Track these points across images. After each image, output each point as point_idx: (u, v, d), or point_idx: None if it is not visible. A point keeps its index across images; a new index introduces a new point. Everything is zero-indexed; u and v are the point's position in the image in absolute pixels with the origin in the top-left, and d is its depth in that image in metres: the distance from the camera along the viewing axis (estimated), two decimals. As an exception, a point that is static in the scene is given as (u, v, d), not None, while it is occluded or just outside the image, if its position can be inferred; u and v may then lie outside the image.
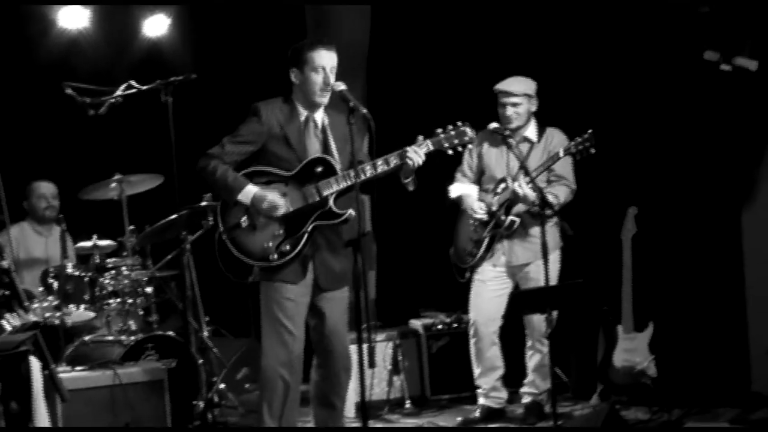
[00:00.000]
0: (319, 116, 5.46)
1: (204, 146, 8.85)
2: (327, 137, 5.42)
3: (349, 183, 5.23)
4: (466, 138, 5.35)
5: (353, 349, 6.25)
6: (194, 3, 8.88)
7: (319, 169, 5.31)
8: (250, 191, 5.25)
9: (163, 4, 8.73)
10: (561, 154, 6.32)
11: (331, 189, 5.27)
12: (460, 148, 5.42)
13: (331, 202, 5.28)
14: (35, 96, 8.48)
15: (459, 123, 5.36)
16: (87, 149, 8.74)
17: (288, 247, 5.26)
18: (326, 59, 5.33)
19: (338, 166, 5.32)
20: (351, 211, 5.23)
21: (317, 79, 5.32)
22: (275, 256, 5.26)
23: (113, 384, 5.88)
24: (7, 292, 3.30)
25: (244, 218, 5.30)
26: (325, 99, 5.38)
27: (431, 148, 5.31)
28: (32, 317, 4.90)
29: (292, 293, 5.34)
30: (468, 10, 8.11)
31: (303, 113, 5.43)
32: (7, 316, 4.46)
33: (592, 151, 6.21)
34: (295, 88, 5.46)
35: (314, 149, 5.40)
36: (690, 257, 7.07)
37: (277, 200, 5.23)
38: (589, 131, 6.20)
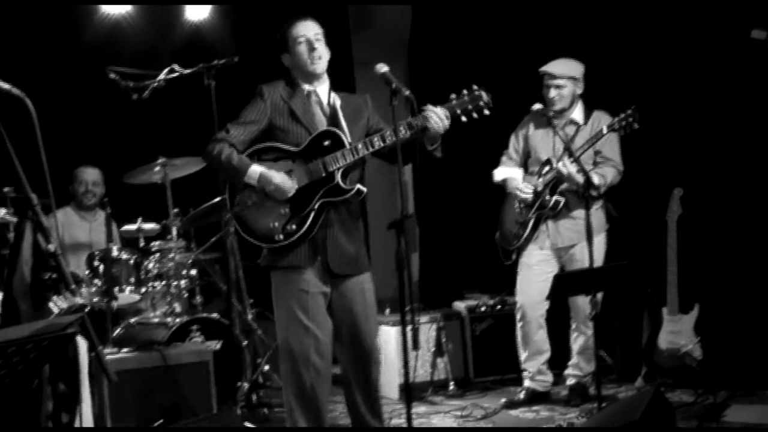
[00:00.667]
0: (323, 91, 5.30)
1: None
2: (336, 113, 5.22)
3: (358, 156, 5.05)
4: (482, 103, 5.08)
5: (394, 332, 6.29)
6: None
7: (327, 142, 5.10)
8: (255, 171, 5.05)
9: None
10: (605, 130, 6.30)
11: (338, 163, 5.05)
12: (475, 115, 5.12)
13: (338, 177, 5.06)
14: (79, 80, 8.54)
15: (474, 86, 5.15)
16: (131, 133, 8.79)
17: (294, 227, 5.03)
18: (304, 29, 5.22)
19: (347, 139, 5.11)
20: (359, 187, 5.08)
21: (303, 48, 5.20)
22: (281, 236, 5.04)
23: (159, 365, 5.92)
24: (54, 276, 3.32)
25: (253, 197, 5.11)
26: (319, 67, 5.22)
27: (446, 113, 5.04)
28: (79, 300, 4.97)
29: (305, 284, 5.07)
30: (509, 6, 8.06)
31: (305, 89, 5.27)
32: (55, 298, 4.52)
33: (636, 126, 6.17)
34: (292, 71, 5.35)
35: (320, 122, 5.21)
36: (736, 238, 7.00)
37: (285, 183, 5.02)
38: (633, 107, 6.16)
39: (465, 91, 5.10)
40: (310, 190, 5.07)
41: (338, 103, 5.28)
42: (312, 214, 5.05)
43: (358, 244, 5.22)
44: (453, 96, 5.11)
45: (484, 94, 5.11)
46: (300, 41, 5.20)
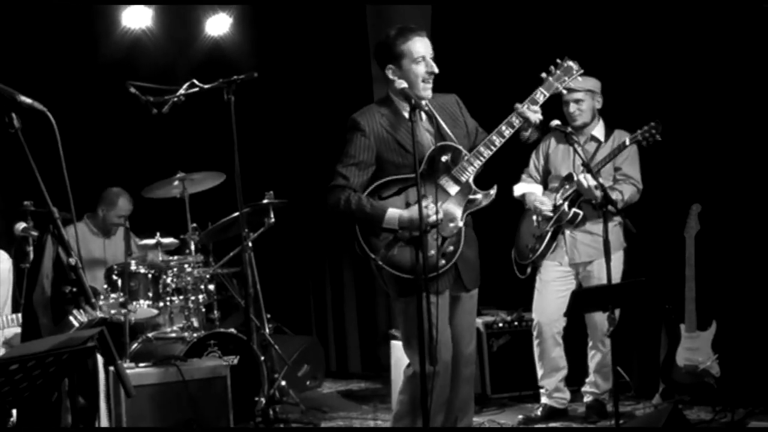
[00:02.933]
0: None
1: (266, 144, 9.00)
2: (438, 124, 4.97)
3: (483, 159, 4.90)
4: (574, 71, 5.11)
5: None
6: (256, 2, 8.93)
7: (445, 158, 4.92)
8: (393, 216, 4.82)
9: (225, 3, 8.80)
10: (627, 142, 6.30)
11: (467, 172, 4.91)
12: (572, 84, 5.15)
13: (473, 186, 4.95)
14: (99, 95, 8.58)
15: (559, 60, 5.14)
16: (150, 148, 8.83)
17: (452, 248, 4.90)
18: (425, 47, 4.95)
19: (463, 149, 4.95)
20: (493, 191, 4.99)
21: (419, 70, 4.92)
22: (443, 261, 4.88)
23: (177, 380, 5.92)
24: (75, 289, 3.34)
25: (396, 237, 4.84)
26: (429, 92, 4.97)
27: (546, 94, 5.04)
28: (99, 313, 4.99)
29: (434, 299, 4.78)
30: (529, 5, 8.05)
31: (406, 109, 4.89)
32: (75, 312, 4.54)
33: (659, 138, 6.17)
34: (393, 85, 4.97)
35: (428, 143, 4.98)
36: (754, 255, 6.97)
37: (428, 216, 4.72)
38: (657, 119, 6.17)
39: (552, 67, 5.13)
40: (452, 207, 4.93)
41: (434, 110, 5.02)
42: (463, 230, 4.96)
43: (476, 255, 5.11)
44: (544, 75, 5.10)
45: (572, 63, 5.12)
46: (418, 60, 4.92)
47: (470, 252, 5.06)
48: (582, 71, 5.20)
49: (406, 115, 4.90)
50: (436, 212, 4.77)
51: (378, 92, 8.75)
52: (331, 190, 4.95)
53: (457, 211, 4.95)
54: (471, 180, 4.94)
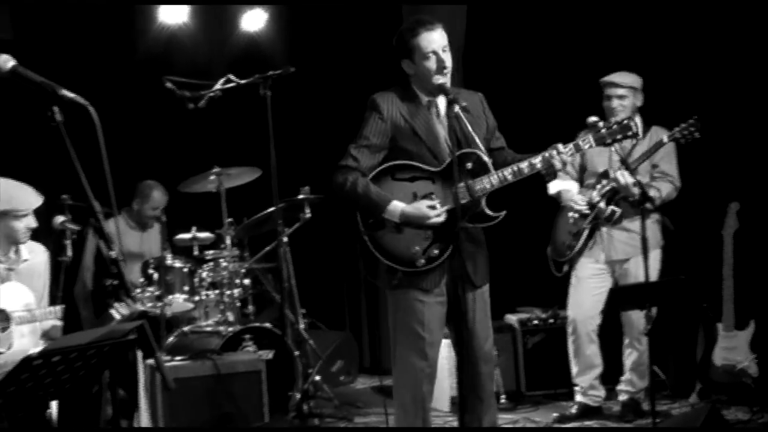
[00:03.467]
0: (442, 102, 4.92)
1: (302, 139, 9.01)
2: (463, 125, 4.80)
3: (505, 183, 4.79)
4: (632, 132, 4.84)
5: (447, 343, 6.28)
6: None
7: (470, 165, 4.80)
8: (396, 209, 4.79)
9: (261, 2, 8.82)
10: (665, 139, 6.27)
11: (484, 189, 4.79)
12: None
13: (483, 202, 4.83)
14: (136, 90, 8.63)
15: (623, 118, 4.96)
16: (186, 142, 8.87)
17: (437, 252, 4.82)
18: (434, 42, 4.83)
19: (490, 162, 4.83)
20: (504, 212, 4.86)
21: (431, 65, 4.82)
22: (423, 261, 4.82)
23: (212, 374, 5.94)
24: (115, 282, 3.35)
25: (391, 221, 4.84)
26: (446, 81, 4.84)
27: (594, 146, 4.88)
28: (140, 306, 5.01)
29: (427, 297, 4.89)
30: (567, 3, 8.02)
31: (425, 100, 4.93)
32: (116, 305, 4.56)
33: (697, 135, 6.13)
34: (411, 78, 4.96)
35: (443, 140, 4.89)
36: (793, 254, 6.93)
37: (431, 219, 4.77)
38: (695, 117, 6.13)
39: (613, 121, 4.92)
40: (453, 214, 4.78)
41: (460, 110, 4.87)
42: (452, 241, 4.82)
43: (485, 253, 5.05)
44: (601, 124, 4.93)
45: (632, 124, 4.86)
46: (428, 55, 4.84)
47: (476, 249, 4.99)
48: (640, 136, 5.03)
49: (425, 104, 4.93)
50: (440, 216, 4.78)
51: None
52: (340, 170, 4.93)
53: (455, 221, 4.78)
54: (484, 198, 4.85)
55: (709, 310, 6.65)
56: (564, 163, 4.79)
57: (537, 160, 4.78)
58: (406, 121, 4.91)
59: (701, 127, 6.14)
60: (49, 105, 3.36)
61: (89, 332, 3.58)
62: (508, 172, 4.78)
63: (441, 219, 4.78)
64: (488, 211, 4.85)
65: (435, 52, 4.83)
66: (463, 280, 4.86)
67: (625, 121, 4.86)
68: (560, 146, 4.78)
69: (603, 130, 4.84)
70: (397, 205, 4.79)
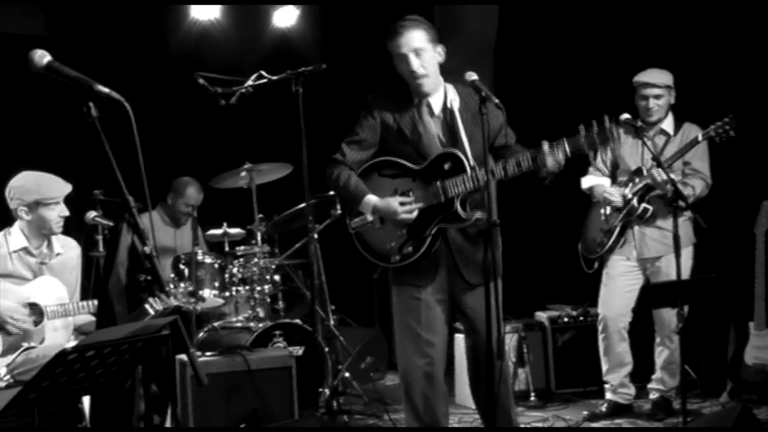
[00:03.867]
0: (437, 101, 5.04)
1: (333, 136, 9.00)
2: (455, 123, 4.96)
3: (477, 185, 4.83)
4: (611, 141, 4.69)
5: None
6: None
7: (447, 165, 4.91)
8: (369, 202, 5.00)
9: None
10: (700, 138, 6.23)
11: (457, 189, 4.88)
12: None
13: (456, 204, 4.89)
14: (168, 86, 8.66)
15: (606, 121, 4.75)
16: (218, 138, 8.89)
17: (410, 249, 4.97)
18: (403, 45, 4.96)
19: (468, 163, 4.87)
20: (478, 215, 4.88)
21: (404, 68, 4.98)
22: (397, 258, 5.00)
23: (242, 370, 5.96)
24: (149, 278, 3.37)
25: (370, 217, 5.05)
26: (421, 84, 4.97)
27: (568, 151, 4.77)
28: (173, 302, 5.04)
29: (423, 294, 5.04)
30: (599, 2, 8.00)
31: (416, 98, 5.06)
32: (150, 300, 4.59)
33: (732, 134, 6.10)
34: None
35: (431, 135, 5.01)
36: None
37: (399, 216, 4.94)
38: (730, 115, 6.10)
39: (595, 126, 4.72)
40: (428, 213, 4.95)
41: (456, 106, 5.01)
42: (429, 239, 4.95)
43: (481, 251, 4.92)
44: (582, 131, 4.75)
45: (614, 132, 4.71)
46: (400, 58, 5.00)
47: (473, 249, 5.03)
48: (620, 146, 4.95)
49: (414, 103, 5.05)
50: (410, 212, 4.93)
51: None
52: (330, 163, 5.17)
53: (429, 221, 4.96)
54: (458, 198, 4.90)
55: (740, 309, 6.61)
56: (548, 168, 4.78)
57: (510, 166, 4.81)
58: (394, 119, 5.08)
59: (736, 125, 6.11)
60: (85, 100, 3.37)
61: (123, 327, 3.61)
62: (482, 174, 4.78)
63: (410, 216, 4.94)
64: (460, 212, 4.90)
65: (405, 56, 4.95)
66: (456, 279, 5.04)
67: (608, 129, 4.71)
68: (545, 146, 4.78)
69: (582, 140, 4.74)
70: (371, 199, 4.99)
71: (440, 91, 5.07)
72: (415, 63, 4.95)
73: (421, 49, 4.96)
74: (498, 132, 5.08)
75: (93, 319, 5.36)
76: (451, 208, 4.91)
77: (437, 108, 5.05)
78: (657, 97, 6.49)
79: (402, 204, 4.95)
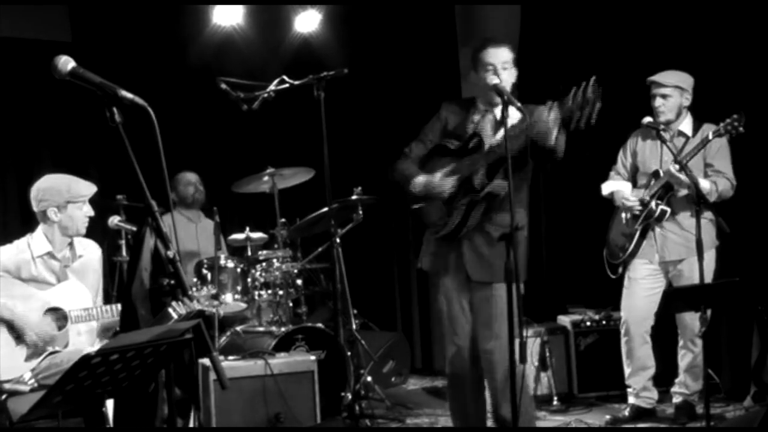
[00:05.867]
0: (499, 110, 5.25)
1: (355, 140, 9.04)
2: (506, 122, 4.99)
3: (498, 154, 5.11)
4: (590, 96, 4.85)
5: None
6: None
7: (472, 144, 5.32)
8: (416, 182, 5.37)
9: (315, 3, 8.84)
10: (710, 136, 6.21)
11: (479, 163, 5.23)
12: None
13: (479, 174, 5.23)
14: (191, 91, 8.70)
15: (585, 83, 4.91)
16: (240, 143, 8.93)
17: (444, 223, 5.36)
18: (494, 56, 5.27)
19: (487, 143, 5.24)
20: (489, 189, 5.19)
21: (485, 78, 5.26)
22: (441, 230, 5.38)
23: (265, 374, 5.98)
24: (172, 281, 3.39)
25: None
26: (495, 97, 5.21)
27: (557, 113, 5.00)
28: (197, 306, 5.06)
29: (446, 286, 5.48)
30: (620, 3, 7.97)
31: (482, 109, 5.42)
32: (174, 304, 4.61)
33: (742, 129, 6.07)
34: (476, 89, 5.46)
35: (489, 136, 5.34)
36: None
37: (435, 180, 5.32)
38: (740, 112, 6.07)
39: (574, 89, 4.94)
40: (461, 190, 5.32)
41: (512, 119, 5.09)
42: (460, 213, 5.32)
43: (496, 254, 5.20)
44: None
45: (591, 88, 4.89)
46: (487, 67, 5.28)
47: (489, 249, 5.31)
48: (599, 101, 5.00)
49: (480, 113, 5.40)
50: (446, 181, 5.30)
51: (465, 89, 8.77)
52: (400, 157, 5.52)
53: (460, 195, 5.32)
54: (480, 173, 5.24)
55: (764, 313, 6.56)
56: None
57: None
58: (454, 129, 5.45)
59: (745, 122, 6.08)
60: (109, 106, 3.39)
61: (147, 331, 3.62)
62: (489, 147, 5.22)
63: (447, 186, 5.29)
64: (476, 182, 5.25)
65: (493, 66, 5.24)
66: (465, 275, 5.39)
67: (587, 93, 4.88)
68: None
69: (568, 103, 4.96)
70: (419, 177, 5.37)
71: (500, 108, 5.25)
72: (502, 75, 5.23)
73: (507, 63, 5.28)
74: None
75: (117, 318, 5.38)
76: (476, 176, 5.26)
77: (498, 116, 5.29)
78: (664, 96, 6.48)
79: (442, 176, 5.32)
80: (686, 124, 6.55)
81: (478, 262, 5.34)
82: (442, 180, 5.30)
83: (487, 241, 5.30)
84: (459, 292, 5.42)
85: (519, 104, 4.89)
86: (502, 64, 5.25)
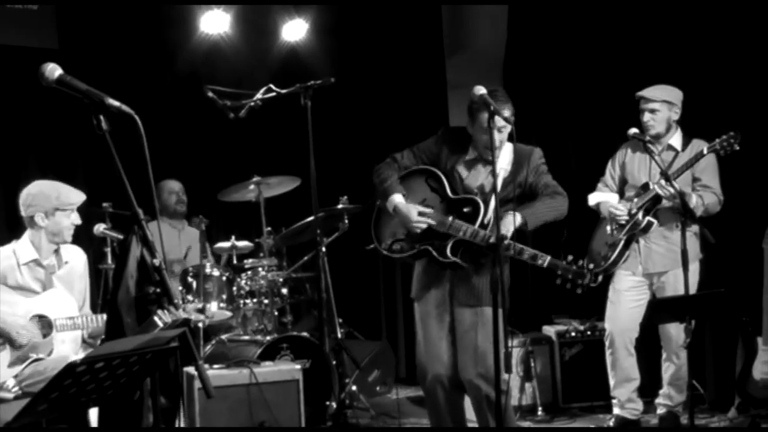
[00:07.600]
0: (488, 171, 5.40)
1: (341, 149, 9.04)
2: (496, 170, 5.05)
3: (474, 239, 5.24)
4: (582, 280, 5.24)
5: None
6: (332, 8, 8.97)
7: (467, 209, 5.35)
8: (393, 202, 5.42)
9: (301, 2, 8.85)
10: (705, 151, 6.23)
11: (458, 233, 5.29)
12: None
13: (449, 243, 5.31)
14: (177, 99, 8.69)
15: (582, 263, 5.27)
16: (226, 151, 8.91)
17: (398, 247, 5.52)
18: (497, 121, 5.08)
19: (482, 220, 5.27)
20: (456, 260, 5.31)
21: (484, 135, 5.16)
22: (385, 247, 5.58)
23: (250, 383, 5.97)
24: (158, 290, 3.39)
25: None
26: (489, 157, 5.17)
27: (545, 264, 5.29)
28: (183, 314, 5.05)
29: (426, 307, 5.53)
30: (608, 7, 7.99)
31: (473, 154, 5.46)
32: (160, 312, 4.60)
33: (737, 147, 6.09)
34: (473, 132, 5.42)
35: (476, 183, 5.44)
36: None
37: (412, 220, 5.36)
38: (736, 130, 6.09)
39: (571, 258, 5.32)
40: (430, 232, 5.38)
41: (505, 173, 5.36)
42: (414, 251, 5.46)
43: (484, 280, 5.33)
44: (564, 261, 5.28)
45: (588, 275, 5.29)
46: (488, 123, 5.05)
47: (475, 271, 5.40)
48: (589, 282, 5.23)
49: (471, 157, 5.46)
50: (420, 224, 5.36)
51: (452, 97, 8.79)
52: (389, 156, 5.60)
53: (423, 238, 5.42)
54: (451, 240, 5.31)
55: (748, 324, 6.60)
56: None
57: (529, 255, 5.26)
58: (447, 161, 5.50)
59: (741, 140, 6.10)
60: (96, 114, 3.39)
61: (132, 339, 3.61)
62: (480, 235, 5.25)
63: (420, 227, 5.36)
64: (447, 252, 5.33)
65: (495, 127, 5.09)
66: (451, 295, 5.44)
67: (584, 269, 5.26)
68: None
69: (560, 265, 5.29)
70: (395, 199, 5.42)
71: (501, 155, 5.35)
72: (498, 137, 5.19)
73: (505, 127, 5.22)
74: (524, 187, 5.42)
75: (102, 327, 5.37)
76: (443, 242, 5.34)
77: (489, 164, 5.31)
78: (653, 111, 6.51)
79: (420, 214, 5.37)
80: (676, 139, 6.57)
81: (462, 287, 5.41)
82: (417, 219, 5.35)
83: (476, 265, 5.38)
84: (438, 309, 5.46)
85: (506, 114, 5.08)
86: (500, 128, 5.21)
